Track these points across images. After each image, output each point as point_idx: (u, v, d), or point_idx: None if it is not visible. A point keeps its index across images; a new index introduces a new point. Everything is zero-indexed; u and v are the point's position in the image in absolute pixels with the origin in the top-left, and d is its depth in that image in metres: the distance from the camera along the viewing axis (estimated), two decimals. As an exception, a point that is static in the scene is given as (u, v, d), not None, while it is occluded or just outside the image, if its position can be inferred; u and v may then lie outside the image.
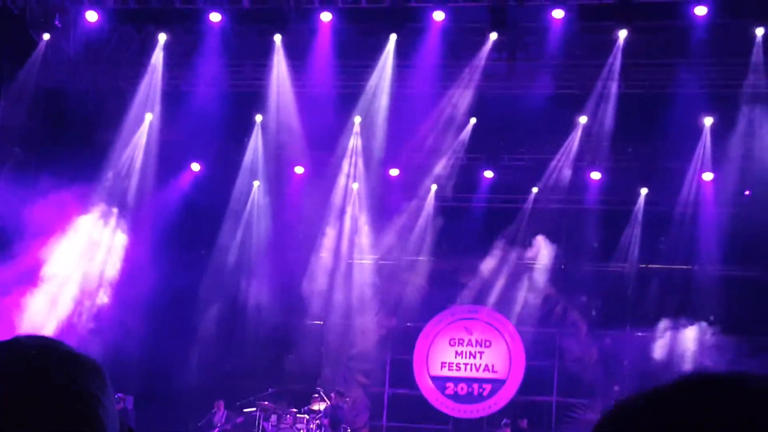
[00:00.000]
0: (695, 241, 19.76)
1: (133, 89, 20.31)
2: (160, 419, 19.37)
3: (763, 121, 18.91)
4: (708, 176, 19.82)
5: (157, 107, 20.41)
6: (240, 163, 21.17)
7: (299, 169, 21.27)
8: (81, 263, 19.58)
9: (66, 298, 19.33)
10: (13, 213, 17.98)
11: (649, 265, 20.60)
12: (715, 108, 19.26)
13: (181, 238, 20.43)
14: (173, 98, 20.27)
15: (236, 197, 21.47)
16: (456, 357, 21.55)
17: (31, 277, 18.81)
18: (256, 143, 21.08)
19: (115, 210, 20.09)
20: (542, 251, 20.61)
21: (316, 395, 19.69)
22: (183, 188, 21.11)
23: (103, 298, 19.76)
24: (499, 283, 20.92)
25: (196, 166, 21.28)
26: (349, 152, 20.94)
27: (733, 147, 19.28)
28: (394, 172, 21.07)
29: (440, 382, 21.43)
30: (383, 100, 20.14)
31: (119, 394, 17.11)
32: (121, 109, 20.30)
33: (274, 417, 19.55)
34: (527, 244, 20.82)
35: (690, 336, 19.13)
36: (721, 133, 19.41)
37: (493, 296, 21.02)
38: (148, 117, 20.47)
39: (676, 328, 19.40)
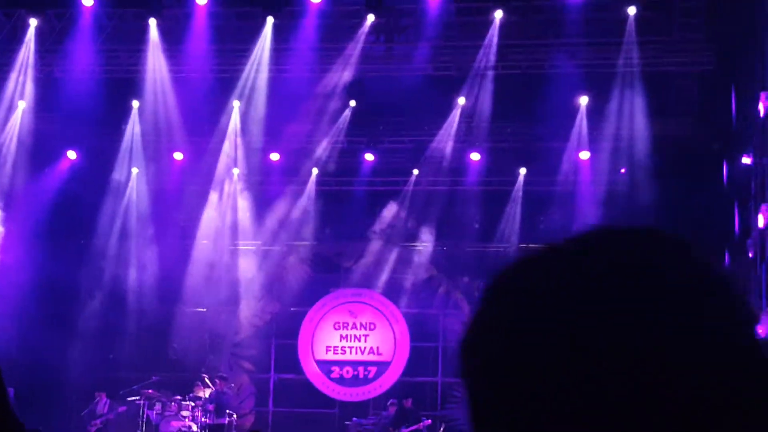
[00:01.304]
0: (573, 219, 19.98)
1: (3, 77, 19.79)
2: (43, 412, 18.94)
3: (635, 99, 19.21)
4: (585, 155, 20.08)
5: (30, 95, 19.90)
6: (118, 150, 20.78)
7: (178, 155, 20.94)
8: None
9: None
10: None
11: (530, 245, 20.78)
12: (590, 87, 19.52)
13: (59, 229, 20.00)
14: (46, 85, 19.80)
15: (114, 185, 21.08)
16: (341, 340, 21.55)
17: None
18: (133, 130, 20.69)
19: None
20: (423, 234, 20.69)
21: (200, 382, 19.49)
22: (59, 177, 20.64)
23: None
24: (382, 266, 20.94)
25: (72, 155, 20.81)
26: (228, 137, 20.70)
27: (607, 126, 19.58)
28: (274, 156, 20.89)
29: (325, 366, 21.40)
30: (261, 84, 19.97)
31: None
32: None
33: (158, 405, 19.34)
34: (409, 226, 20.86)
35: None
36: (596, 112, 19.67)
37: (376, 279, 21.04)
38: (21, 105, 19.95)
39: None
